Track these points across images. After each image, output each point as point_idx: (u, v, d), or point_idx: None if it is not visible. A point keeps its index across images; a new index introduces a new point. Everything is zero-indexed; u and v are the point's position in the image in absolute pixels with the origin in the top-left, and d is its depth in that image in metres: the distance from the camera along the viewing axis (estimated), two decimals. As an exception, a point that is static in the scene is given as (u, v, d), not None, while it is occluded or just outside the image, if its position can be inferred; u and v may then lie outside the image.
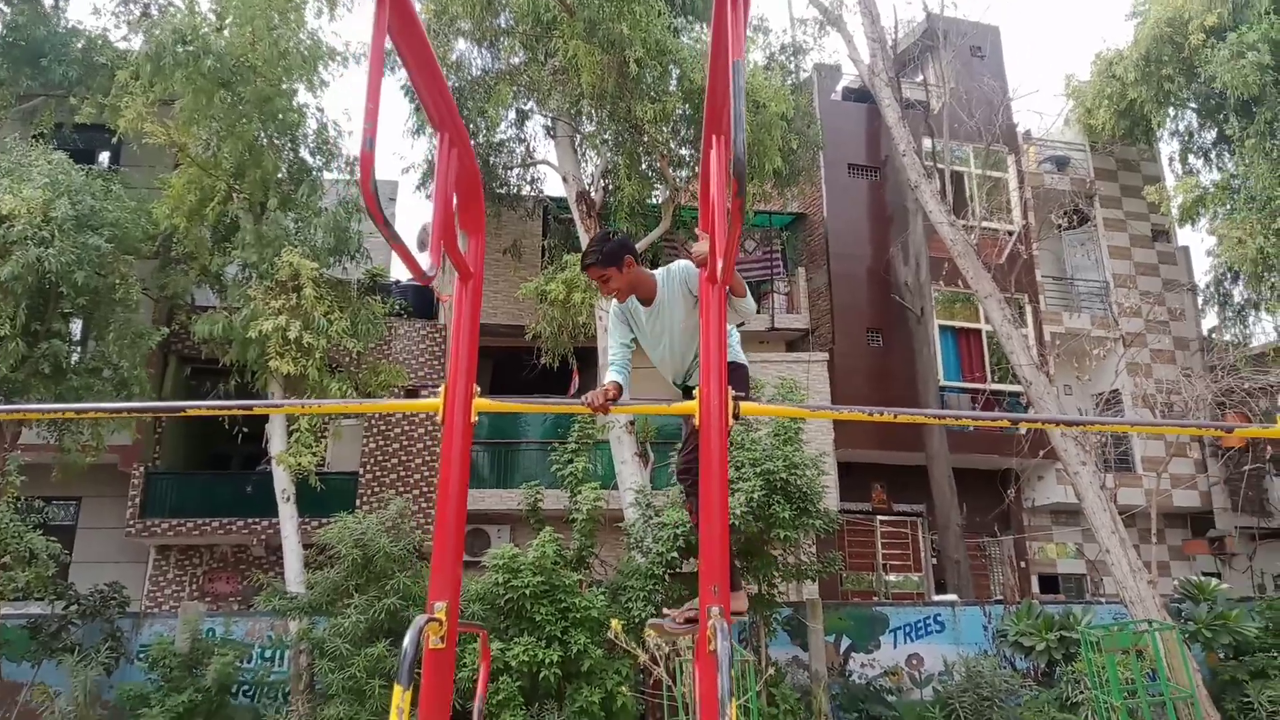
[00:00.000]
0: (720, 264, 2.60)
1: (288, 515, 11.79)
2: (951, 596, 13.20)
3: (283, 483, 11.87)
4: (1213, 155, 16.81)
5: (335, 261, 12.43)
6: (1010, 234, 16.73)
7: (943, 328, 16.52)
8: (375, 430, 15.15)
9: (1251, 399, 13.08)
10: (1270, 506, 17.73)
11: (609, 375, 3.33)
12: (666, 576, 10.15)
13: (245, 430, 13.16)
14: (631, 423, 12.45)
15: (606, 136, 12.84)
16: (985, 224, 15.73)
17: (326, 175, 13.14)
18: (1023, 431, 16.65)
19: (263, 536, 14.03)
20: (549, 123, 14.06)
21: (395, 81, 12.57)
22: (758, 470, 9.93)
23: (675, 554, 10.13)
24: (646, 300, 3.38)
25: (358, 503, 13.90)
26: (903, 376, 15.95)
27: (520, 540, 12.61)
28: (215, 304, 13.62)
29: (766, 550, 10.45)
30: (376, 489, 14.63)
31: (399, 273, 18.02)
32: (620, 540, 11.52)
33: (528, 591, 9.28)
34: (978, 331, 16.96)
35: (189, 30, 10.56)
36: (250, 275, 11.99)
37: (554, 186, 15.06)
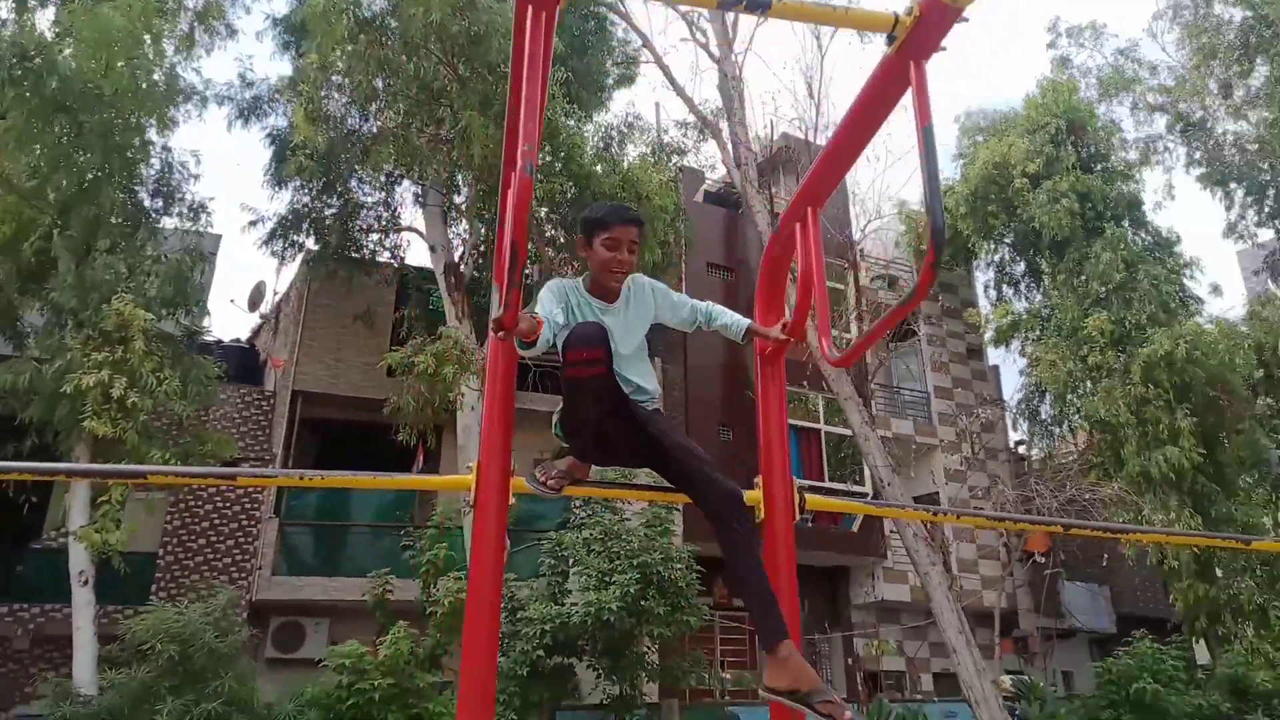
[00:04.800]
0: (819, 342, 2.44)
1: (84, 601, 10.10)
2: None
3: (80, 563, 10.21)
4: (1022, 286, 18.72)
5: (169, 314, 11.16)
6: (849, 343, 17.77)
7: (791, 426, 17.05)
8: (182, 506, 13.48)
9: (1086, 509, 14.29)
10: (1063, 609, 19.31)
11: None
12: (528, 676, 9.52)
13: (33, 500, 11.31)
14: (490, 508, 11.80)
15: (487, 211, 12.53)
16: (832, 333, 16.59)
17: (167, 220, 11.92)
18: (854, 529, 17.39)
19: (30, 626, 11.93)
20: (419, 190, 13.58)
21: (243, 131, 11.73)
22: (635, 563, 9.61)
23: (542, 652, 9.52)
24: (606, 297, 2.83)
25: (154, 589, 12.18)
26: (751, 471, 16.18)
27: (342, 635, 11.47)
28: (9, 352, 11.83)
29: (634, 648, 10.06)
30: (178, 573, 12.92)
31: (221, 329, 16.55)
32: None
33: (377, 696, 8.39)
34: (817, 431, 17.67)
35: (33, 46, 9.37)
36: (66, 322, 10.51)
37: (416, 255, 14.51)
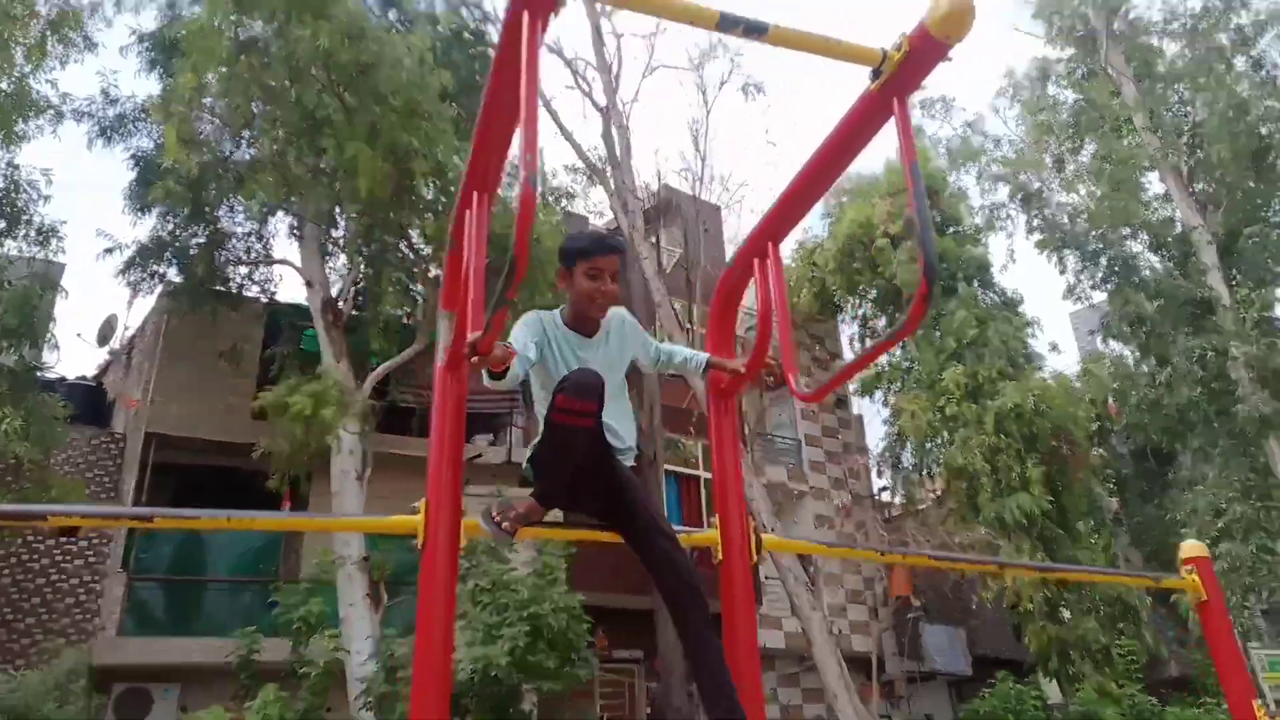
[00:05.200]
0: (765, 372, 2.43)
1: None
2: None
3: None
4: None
5: (9, 347, 10.15)
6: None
7: (668, 473, 17.16)
8: (14, 560, 12.14)
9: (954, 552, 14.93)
10: (924, 652, 20.06)
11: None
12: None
13: None
14: (366, 558, 11.24)
15: (368, 247, 12.13)
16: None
17: (10, 244, 10.89)
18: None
19: None
20: (295, 222, 13.01)
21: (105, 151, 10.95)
22: (525, 614, 9.31)
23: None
24: (585, 330, 2.71)
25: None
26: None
27: (195, 702, 10.56)
28: None
29: (519, 706, 9.69)
30: (5, 637, 11.60)
31: (64, 365, 15.20)
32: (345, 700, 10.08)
33: (246, 765, 7.73)
34: (697, 478, 17.85)
35: None
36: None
37: (288, 291, 13.82)
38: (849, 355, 21.02)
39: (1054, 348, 21.95)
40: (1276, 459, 13.75)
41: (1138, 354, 17.82)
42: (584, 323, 2.68)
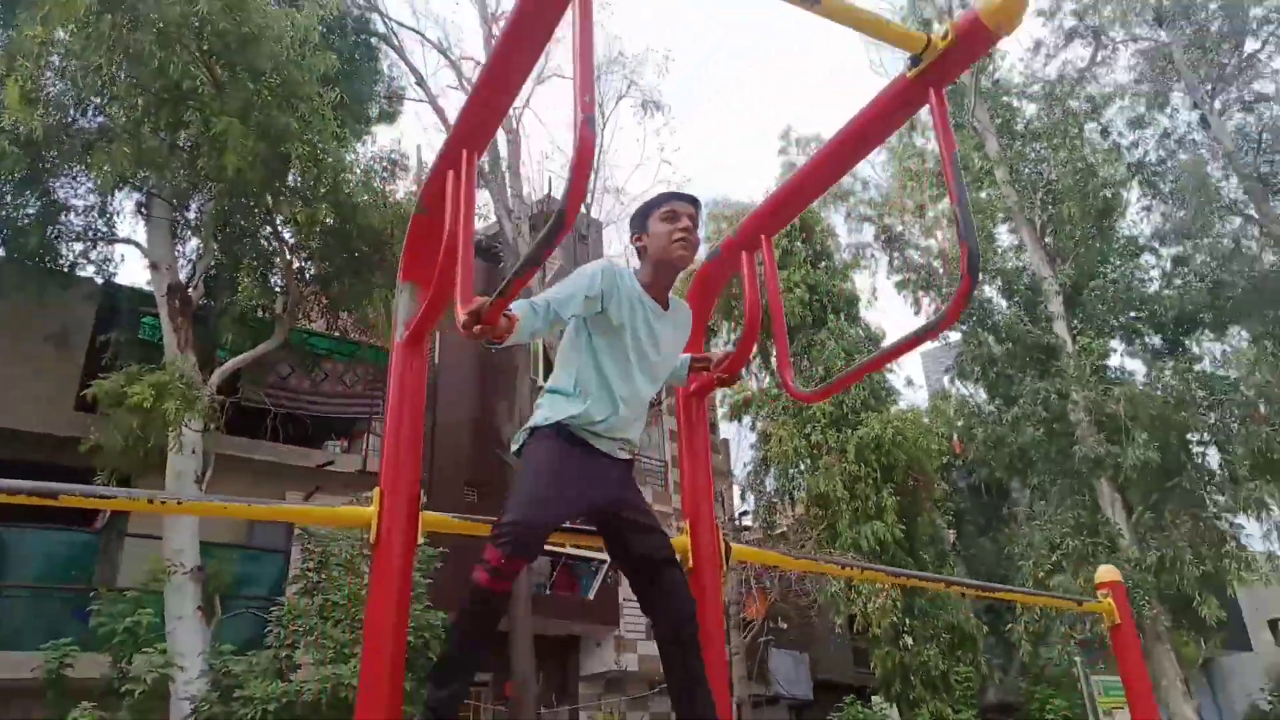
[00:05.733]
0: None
1: None
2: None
3: None
4: (754, 366, 20.05)
5: None
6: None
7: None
8: None
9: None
10: (770, 676, 20.43)
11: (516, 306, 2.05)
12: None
13: None
14: (200, 567, 10.29)
15: (225, 231, 11.21)
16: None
17: None
18: (590, 596, 17.32)
19: None
20: (144, 199, 11.88)
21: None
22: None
23: (265, 738, 8.27)
24: (661, 300, 2.49)
25: None
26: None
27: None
28: None
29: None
30: None
31: None
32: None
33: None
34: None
35: None
36: None
37: (129, 273, 12.59)
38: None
39: (909, 383, 23.08)
40: (1105, 498, 14.84)
41: (985, 393, 18.92)
42: (661, 286, 2.45)
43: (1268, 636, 25.71)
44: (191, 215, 12.14)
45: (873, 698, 17.44)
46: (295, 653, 8.94)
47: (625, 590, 18.91)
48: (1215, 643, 17.52)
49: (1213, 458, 15.23)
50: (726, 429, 21.33)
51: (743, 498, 20.67)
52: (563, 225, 1.52)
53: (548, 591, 16.50)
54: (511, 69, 1.88)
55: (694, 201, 2.52)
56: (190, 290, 11.68)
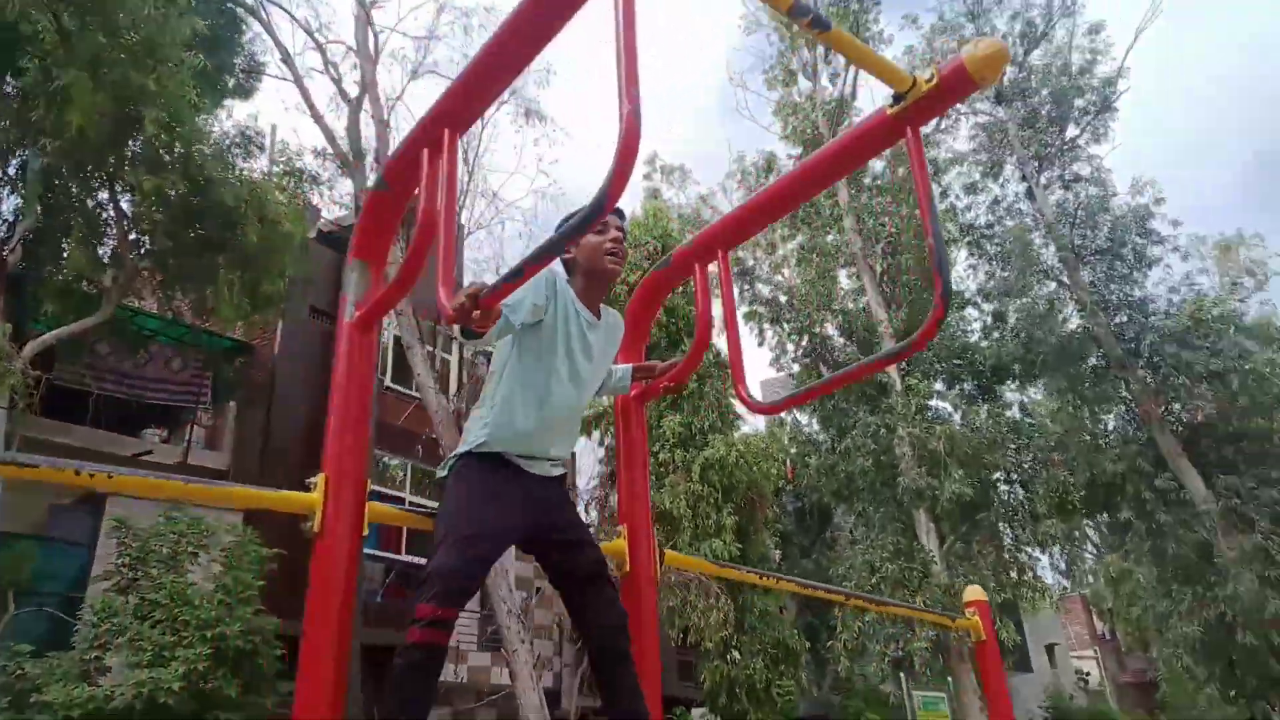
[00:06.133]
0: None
1: None
2: (357, 788, 12.08)
3: None
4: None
5: None
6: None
7: (373, 491, 16.11)
8: None
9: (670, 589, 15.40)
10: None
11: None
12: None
13: None
14: (-7, 560, 9.28)
15: (53, 193, 10.22)
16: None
17: None
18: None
19: None
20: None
21: None
22: (208, 635, 8.18)
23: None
24: (594, 310, 2.47)
25: None
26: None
27: None
28: None
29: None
30: None
31: None
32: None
33: None
34: (400, 499, 16.96)
35: None
36: None
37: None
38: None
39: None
40: (922, 526, 15.98)
41: (819, 424, 19.94)
42: (593, 297, 2.43)
43: (1044, 660, 28.40)
44: (12, 170, 11.00)
45: (693, 710, 17.88)
46: (105, 655, 8.20)
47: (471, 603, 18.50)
48: (1007, 665, 19.14)
49: (1017, 494, 16.72)
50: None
51: (585, 513, 20.74)
52: (600, 210, 1.53)
53: (379, 599, 15.90)
54: (513, 54, 1.87)
55: (621, 215, 2.57)
56: (6, 253, 10.55)
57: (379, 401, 15.89)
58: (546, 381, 2.33)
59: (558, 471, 2.41)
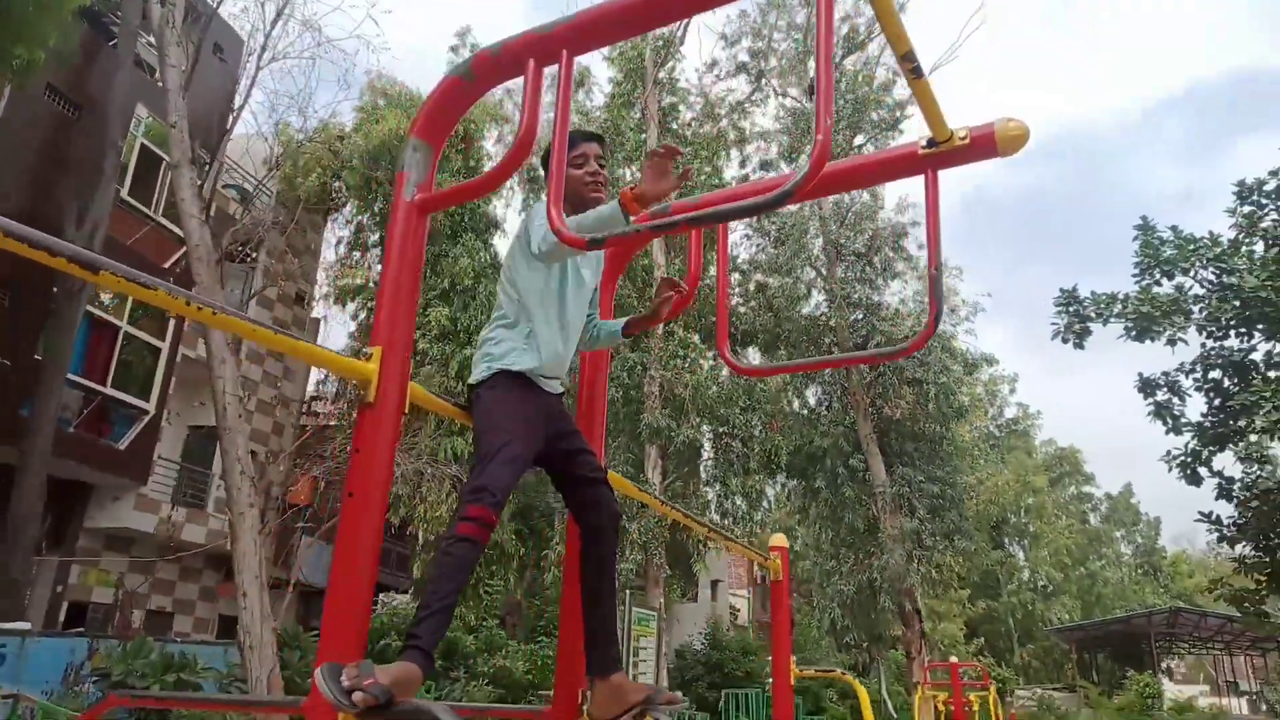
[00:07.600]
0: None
1: None
2: (24, 624, 11.02)
3: None
4: (376, 254, 19.27)
5: None
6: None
7: (86, 313, 14.34)
8: None
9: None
10: (293, 561, 20.04)
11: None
12: None
13: None
14: None
15: None
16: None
17: None
18: (122, 445, 15.38)
19: None
20: None
21: None
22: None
23: None
24: None
25: None
26: (27, 353, 13.29)
27: None
28: None
29: None
30: None
31: None
32: None
33: None
34: (116, 329, 15.28)
35: None
36: None
37: None
38: (327, 256, 20.15)
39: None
40: (650, 461, 17.19)
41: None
42: None
43: (708, 594, 31.81)
44: None
45: (397, 596, 18.13)
46: None
47: (165, 447, 17.07)
48: (680, 595, 21.31)
49: (736, 448, 18.43)
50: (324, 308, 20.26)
51: (322, 382, 19.94)
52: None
53: (71, 429, 14.34)
54: (664, 11, 1.93)
55: (600, 139, 2.72)
56: None
57: (113, 219, 14.05)
58: (561, 306, 2.52)
59: (561, 389, 2.58)
